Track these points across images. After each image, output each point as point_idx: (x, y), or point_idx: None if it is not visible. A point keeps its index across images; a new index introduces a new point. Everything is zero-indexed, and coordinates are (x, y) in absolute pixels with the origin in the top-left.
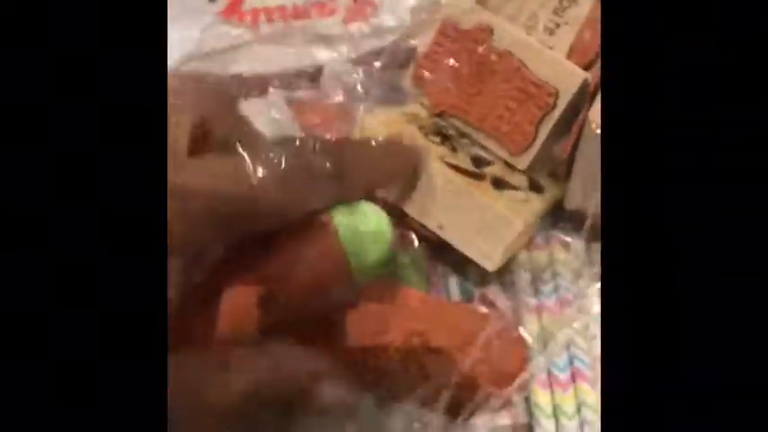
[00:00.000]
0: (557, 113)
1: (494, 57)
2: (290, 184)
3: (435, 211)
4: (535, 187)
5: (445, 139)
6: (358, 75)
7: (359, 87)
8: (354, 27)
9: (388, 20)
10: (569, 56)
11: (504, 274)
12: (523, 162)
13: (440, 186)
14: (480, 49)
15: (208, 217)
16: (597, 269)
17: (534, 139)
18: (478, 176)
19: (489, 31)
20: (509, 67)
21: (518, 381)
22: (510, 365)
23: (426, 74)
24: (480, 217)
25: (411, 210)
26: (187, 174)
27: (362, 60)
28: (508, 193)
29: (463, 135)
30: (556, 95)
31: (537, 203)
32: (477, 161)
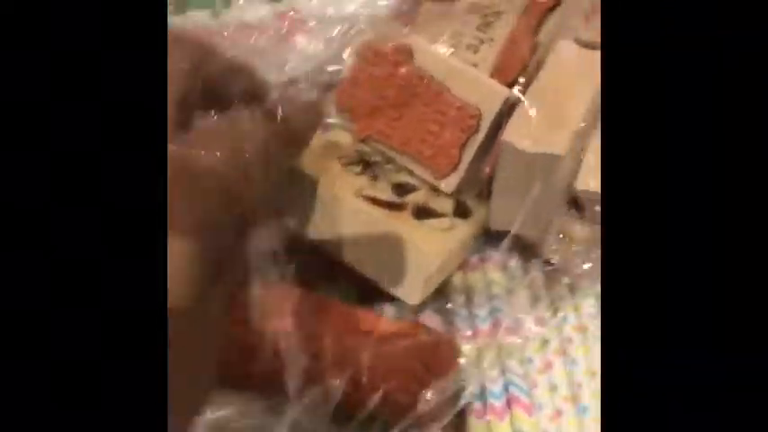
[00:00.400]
0: (480, 135)
1: (414, 79)
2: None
3: (352, 246)
4: (462, 211)
5: (367, 166)
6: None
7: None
8: (283, 49)
9: (315, 43)
10: (493, 73)
11: (438, 299)
12: (449, 185)
13: (356, 221)
14: (400, 72)
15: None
16: (533, 288)
17: (459, 162)
18: (398, 207)
19: (408, 52)
20: (430, 89)
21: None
22: (440, 360)
23: (349, 99)
24: (398, 251)
25: (329, 246)
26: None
27: (286, 84)
28: (430, 222)
29: (389, 161)
30: (479, 117)
31: (463, 229)
32: (401, 189)
